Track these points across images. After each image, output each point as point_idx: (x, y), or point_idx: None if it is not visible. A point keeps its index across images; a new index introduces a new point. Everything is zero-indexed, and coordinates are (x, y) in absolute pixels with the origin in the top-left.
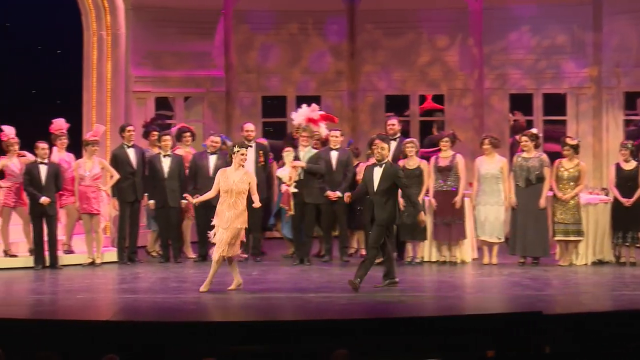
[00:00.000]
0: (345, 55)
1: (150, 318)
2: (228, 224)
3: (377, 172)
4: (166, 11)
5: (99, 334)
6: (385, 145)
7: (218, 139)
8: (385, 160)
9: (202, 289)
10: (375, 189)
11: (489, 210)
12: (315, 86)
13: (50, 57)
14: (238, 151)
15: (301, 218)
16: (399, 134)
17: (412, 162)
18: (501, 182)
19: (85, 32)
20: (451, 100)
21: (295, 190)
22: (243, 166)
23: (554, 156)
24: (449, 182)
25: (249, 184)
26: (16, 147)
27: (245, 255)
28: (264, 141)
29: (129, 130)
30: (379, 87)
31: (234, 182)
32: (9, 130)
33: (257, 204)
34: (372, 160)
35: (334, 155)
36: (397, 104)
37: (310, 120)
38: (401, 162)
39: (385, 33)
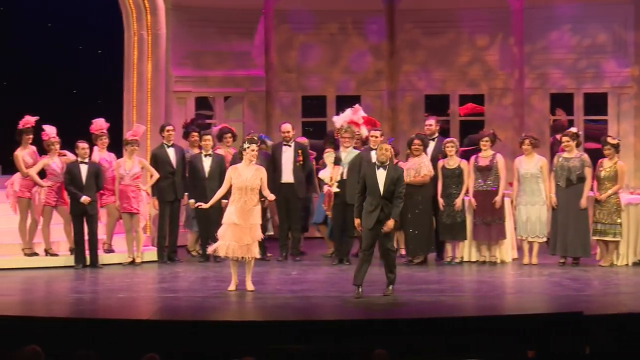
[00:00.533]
0: (384, 54)
1: (190, 317)
2: (240, 221)
3: (381, 175)
4: (206, 11)
5: (139, 333)
6: (389, 147)
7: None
8: (389, 163)
9: (229, 287)
10: (382, 192)
11: (530, 210)
12: (354, 86)
13: (91, 58)
14: (248, 147)
15: (342, 218)
16: (437, 134)
17: (452, 161)
18: (541, 181)
19: (126, 32)
20: (491, 100)
21: (337, 190)
22: (253, 162)
23: (594, 155)
24: (488, 182)
25: (261, 179)
26: (57, 146)
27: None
28: (304, 140)
29: (169, 130)
30: (418, 87)
31: (247, 179)
32: (50, 130)
33: (270, 196)
34: (410, 159)
35: (373, 155)
36: (436, 104)
37: (353, 123)
38: (441, 162)
39: (425, 32)
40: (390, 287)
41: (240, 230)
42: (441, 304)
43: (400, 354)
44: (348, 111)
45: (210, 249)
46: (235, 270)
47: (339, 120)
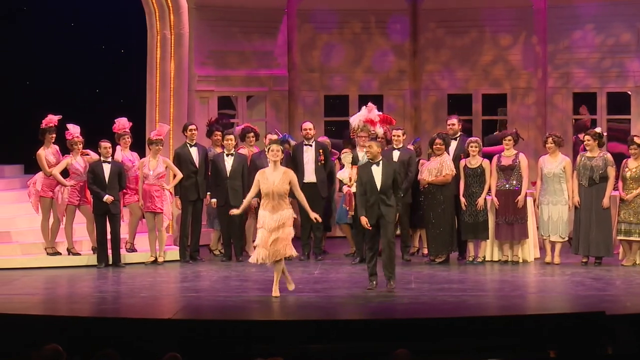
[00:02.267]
0: (407, 54)
1: (212, 317)
2: (273, 227)
3: (377, 171)
4: (229, 10)
5: (161, 332)
6: (373, 144)
7: (275, 137)
8: (380, 158)
9: (273, 294)
10: (379, 187)
11: (553, 210)
12: (377, 85)
13: (114, 57)
14: (269, 147)
15: None
16: (459, 133)
17: (475, 160)
18: (564, 181)
19: (150, 32)
20: (514, 99)
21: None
22: (277, 163)
23: (619, 156)
24: (511, 181)
25: (289, 182)
26: (80, 146)
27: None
28: (326, 140)
29: (191, 129)
30: (441, 86)
31: (274, 184)
32: (74, 129)
33: (312, 214)
34: (432, 159)
35: (395, 155)
36: (459, 103)
37: (369, 121)
38: (463, 161)
39: (448, 32)
40: (392, 282)
41: (273, 234)
42: (463, 304)
43: (423, 354)
44: (363, 110)
45: (252, 259)
46: (278, 276)
47: (355, 120)
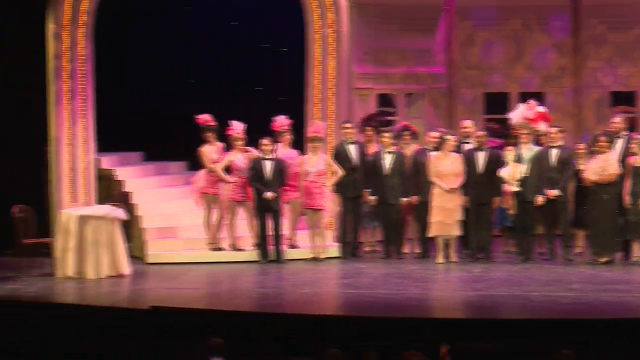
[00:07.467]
0: (568, 51)
1: (373, 314)
2: (443, 203)
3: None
4: (388, 8)
5: (323, 328)
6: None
7: (436, 134)
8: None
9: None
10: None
11: None
12: (538, 83)
13: (274, 55)
14: (444, 138)
15: (523, 217)
16: (624, 132)
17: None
18: None
19: (309, 30)
20: None
21: (517, 189)
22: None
23: None
24: None
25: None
26: (241, 143)
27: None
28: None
29: (347, 127)
30: (604, 83)
31: (444, 167)
32: (238, 126)
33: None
34: (596, 157)
35: (554, 153)
36: (622, 100)
37: (527, 119)
38: (631, 160)
39: (610, 28)
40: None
41: (443, 212)
42: (629, 305)
43: (588, 355)
44: (522, 107)
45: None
46: (441, 246)
47: (515, 117)
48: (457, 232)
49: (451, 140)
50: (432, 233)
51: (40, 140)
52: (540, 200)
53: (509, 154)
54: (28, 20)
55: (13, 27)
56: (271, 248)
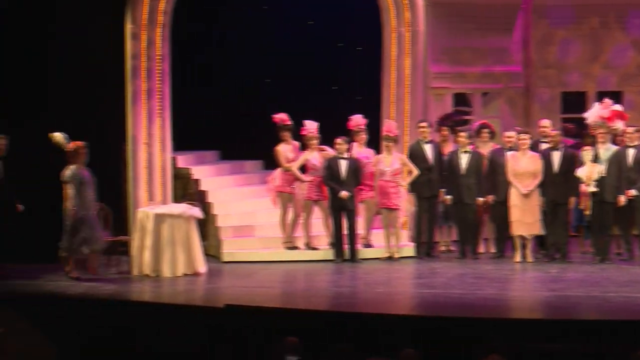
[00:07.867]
0: None
1: (448, 313)
2: (520, 203)
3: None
4: (464, 7)
5: (397, 328)
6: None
7: (512, 134)
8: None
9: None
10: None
11: None
12: (616, 81)
13: (350, 54)
14: (518, 137)
15: (600, 217)
16: None
17: None
18: None
19: (385, 29)
20: None
21: (594, 189)
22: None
23: None
24: None
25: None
26: (316, 142)
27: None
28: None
29: (422, 126)
30: None
31: (521, 167)
32: (311, 125)
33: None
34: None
35: (630, 153)
36: None
37: (602, 117)
38: None
39: None
40: None
41: (522, 211)
42: None
43: None
44: (597, 106)
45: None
46: (518, 246)
47: (591, 116)
48: (537, 230)
49: (525, 139)
50: (514, 231)
51: (118, 139)
52: (622, 200)
53: (586, 153)
54: (106, 20)
55: (92, 27)
56: (346, 247)
